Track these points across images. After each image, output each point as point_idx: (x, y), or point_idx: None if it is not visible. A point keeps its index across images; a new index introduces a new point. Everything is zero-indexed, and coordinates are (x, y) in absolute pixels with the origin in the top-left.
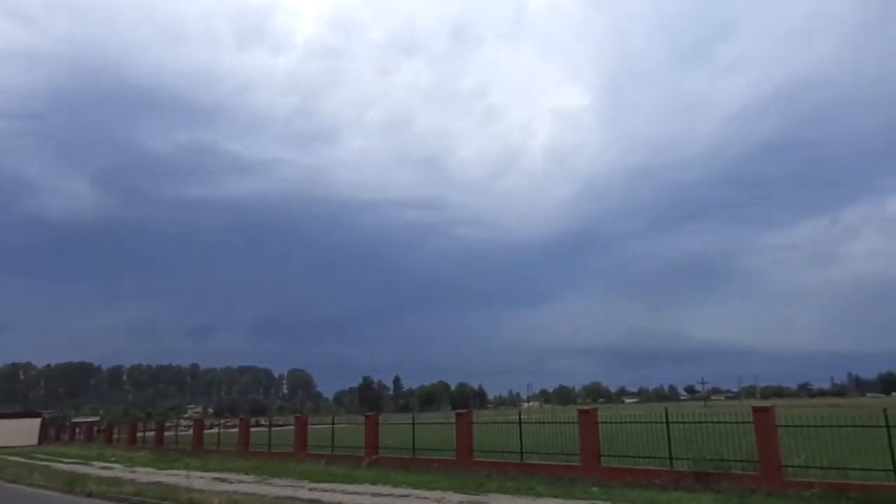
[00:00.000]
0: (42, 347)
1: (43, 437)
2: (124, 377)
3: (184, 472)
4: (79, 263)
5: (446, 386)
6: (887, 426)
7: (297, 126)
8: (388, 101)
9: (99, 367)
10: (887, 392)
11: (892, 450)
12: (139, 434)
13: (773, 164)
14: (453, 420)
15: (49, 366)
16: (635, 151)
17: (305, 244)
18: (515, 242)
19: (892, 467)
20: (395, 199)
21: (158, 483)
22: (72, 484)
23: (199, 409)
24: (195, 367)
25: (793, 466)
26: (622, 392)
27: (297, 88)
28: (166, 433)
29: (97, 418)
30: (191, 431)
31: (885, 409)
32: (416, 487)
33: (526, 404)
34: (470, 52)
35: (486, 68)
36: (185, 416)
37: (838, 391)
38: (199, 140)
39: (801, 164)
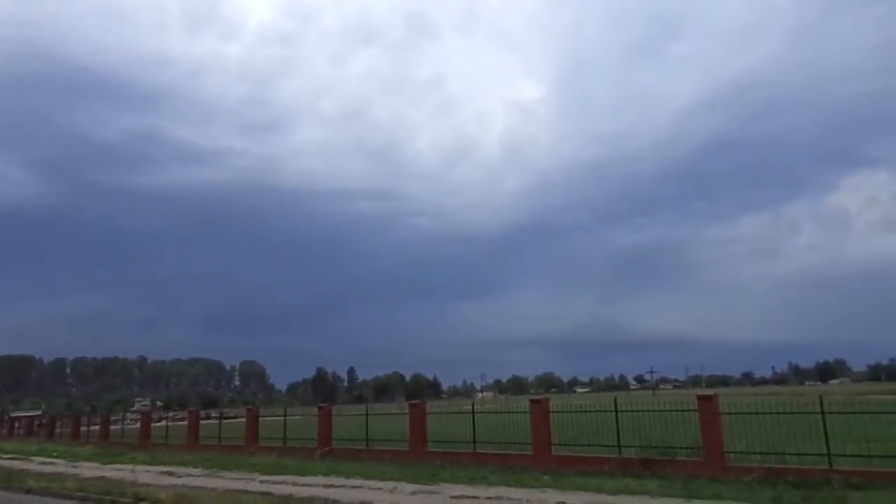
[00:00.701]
0: None
1: None
2: (67, 370)
3: (130, 467)
4: (19, 253)
5: (401, 377)
6: (822, 413)
7: (249, 114)
8: (343, 90)
9: (40, 359)
10: (824, 380)
11: (826, 435)
12: (83, 428)
13: (719, 161)
14: (407, 411)
15: None
16: (588, 145)
17: (258, 234)
18: (470, 233)
19: (825, 452)
20: (349, 189)
21: (103, 478)
22: (9, 480)
23: (147, 402)
24: (143, 359)
25: (734, 452)
26: (574, 382)
27: (249, 76)
28: (112, 427)
29: (38, 412)
30: (138, 425)
31: (820, 397)
32: (370, 478)
33: (480, 394)
34: (426, 42)
35: (443, 59)
36: (133, 409)
37: (779, 379)
38: (146, 127)
39: (745, 160)
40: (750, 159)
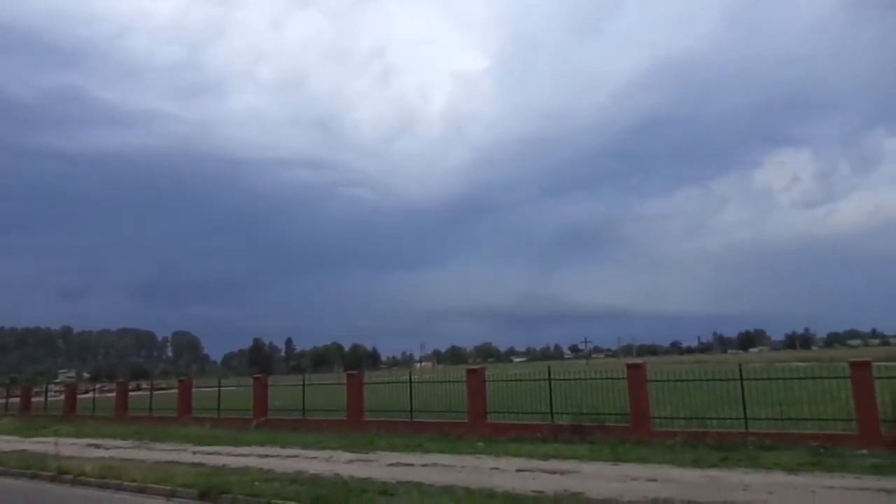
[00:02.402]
0: None
1: None
2: None
3: (53, 440)
4: None
5: (339, 347)
6: (741, 379)
7: (181, 78)
8: (281, 56)
9: None
10: (745, 349)
11: (743, 400)
12: (1, 401)
13: (655, 138)
14: (344, 381)
15: None
16: (530, 121)
17: (191, 203)
18: (410, 206)
19: (743, 416)
20: (286, 158)
21: (23, 451)
22: None
23: (73, 373)
24: (67, 329)
25: (660, 418)
26: (511, 352)
27: (181, 37)
28: (34, 399)
29: None
30: (62, 397)
31: (739, 365)
32: (306, 448)
33: (419, 365)
34: (367, 8)
35: (384, 27)
36: (57, 381)
37: (704, 348)
38: (66, 86)
39: (678, 138)
40: (684, 137)
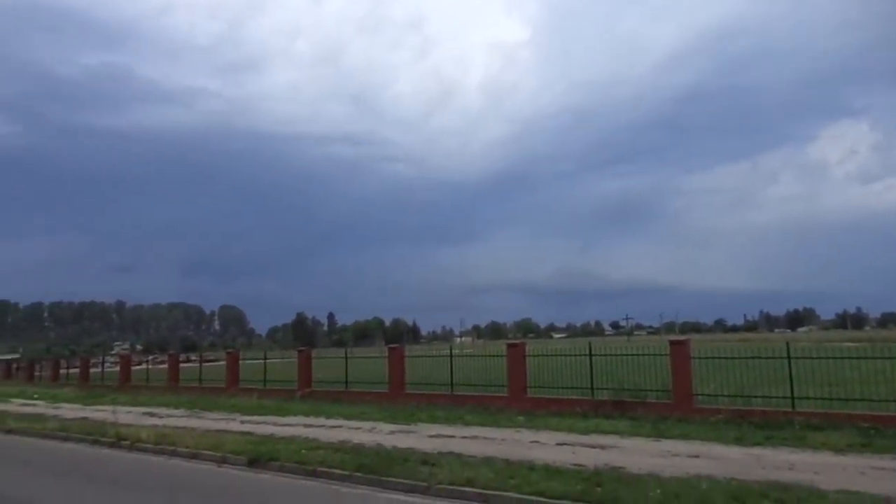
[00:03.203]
0: None
1: None
2: (45, 314)
3: (111, 408)
4: None
5: (380, 322)
6: (788, 358)
7: (221, 54)
8: (318, 30)
9: (16, 304)
10: (793, 328)
11: (791, 379)
12: (62, 371)
13: (700, 109)
14: (386, 355)
15: None
16: (571, 92)
17: (233, 179)
18: (448, 181)
19: (790, 395)
20: (324, 134)
21: (84, 419)
22: None
23: (127, 345)
24: (121, 303)
25: (703, 395)
26: (551, 328)
27: (221, 14)
28: (92, 370)
29: (17, 356)
30: (117, 368)
31: (787, 343)
32: (349, 419)
33: (458, 339)
34: None
35: None
36: (112, 352)
37: (749, 327)
38: (111, 64)
39: (725, 110)
40: (731, 109)
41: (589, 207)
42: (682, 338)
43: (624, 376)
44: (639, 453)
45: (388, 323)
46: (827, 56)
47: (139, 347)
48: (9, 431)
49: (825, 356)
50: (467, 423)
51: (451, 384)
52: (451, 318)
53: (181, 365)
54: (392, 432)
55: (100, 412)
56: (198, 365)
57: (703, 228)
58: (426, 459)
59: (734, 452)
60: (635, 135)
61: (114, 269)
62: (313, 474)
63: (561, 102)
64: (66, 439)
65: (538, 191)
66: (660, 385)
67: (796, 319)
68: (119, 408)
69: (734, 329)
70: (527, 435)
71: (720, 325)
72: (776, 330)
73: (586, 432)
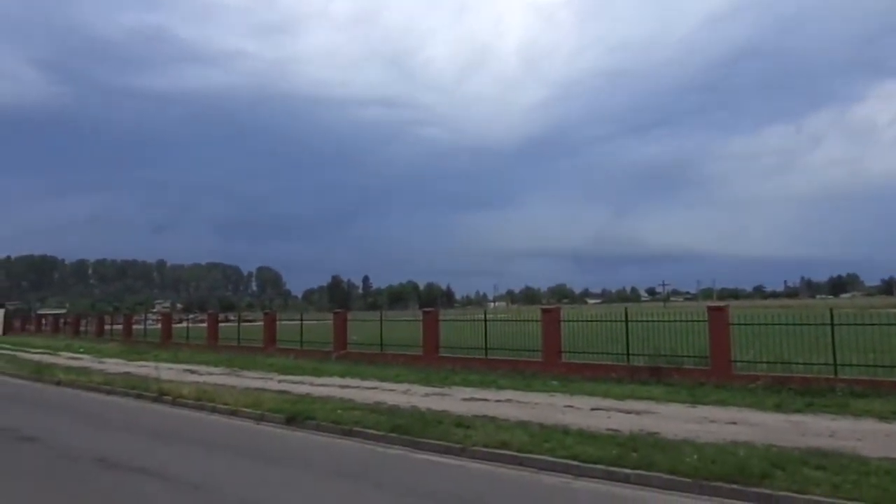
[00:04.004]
0: None
1: (8, 327)
2: (89, 271)
3: (153, 364)
4: (28, 153)
5: (415, 286)
6: (832, 324)
7: (257, 15)
8: None
9: (63, 260)
10: (836, 294)
11: (833, 346)
12: (107, 327)
13: (743, 71)
14: (420, 318)
15: (9, 258)
16: (610, 54)
17: (269, 141)
18: (484, 145)
19: (832, 362)
20: (360, 97)
21: (128, 374)
22: (39, 372)
23: (168, 304)
24: (162, 262)
25: (741, 361)
26: (586, 294)
27: None
28: (135, 327)
29: (63, 311)
30: (159, 325)
31: (830, 309)
32: (383, 380)
33: (492, 304)
34: None
35: None
36: (153, 310)
37: (790, 293)
38: (149, 26)
39: (768, 71)
40: (775, 70)
41: (626, 172)
42: (720, 304)
43: (660, 342)
44: (675, 419)
45: (422, 287)
46: (876, 13)
47: (179, 306)
48: (58, 383)
49: (869, 322)
50: (501, 387)
51: (485, 348)
52: (485, 283)
53: (220, 324)
54: (426, 395)
55: (143, 368)
56: (236, 325)
57: (742, 194)
58: (460, 422)
59: (773, 419)
60: (675, 97)
61: (155, 229)
62: (349, 434)
63: (599, 64)
64: (110, 392)
65: (575, 155)
66: (697, 352)
67: (839, 286)
68: (161, 364)
69: (774, 295)
70: (561, 399)
71: (759, 292)
72: (818, 296)
73: (621, 398)
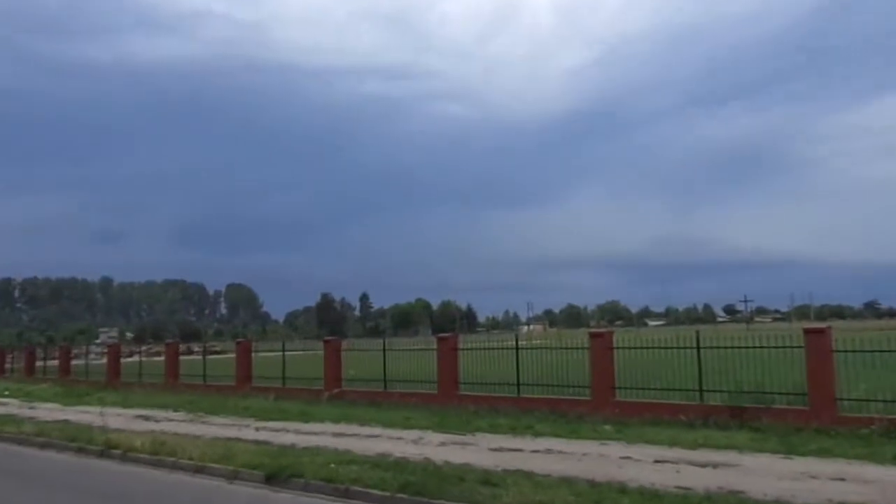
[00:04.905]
0: None
1: None
2: (15, 293)
3: (98, 409)
4: None
5: (426, 305)
6: None
7: None
8: None
9: None
10: None
11: None
12: (39, 363)
13: (843, 28)
14: (434, 346)
15: None
16: (671, 7)
17: (243, 124)
18: (512, 123)
19: None
20: (356, 66)
21: (66, 422)
22: None
23: (115, 332)
24: (107, 280)
25: (849, 400)
26: (645, 313)
27: None
28: (73, 362)
29: None
30: (104, 360)
31: None
32: (389, 426)
33: (526, 327)
34: None
35: None
36: (98, 341)
37: None
38: None
39: (881, 24)
40: (885, 25)
41: (693, 156)
42: (820, 325)
43: (743, 375)
44: (764, 474)
45: (435, 307)
46: None
47: (129, 335)
48: None
49: None
50: (538, 434)
51: (518, 384)
52: (516, 300)
53: (181, 357)
54: (443, 444)
55: (85, 414)
56: (201, 357)
57: (846, 183)
58: (487, 479)
59: (892, 475)
60: (754, 61)
61: (99, 239)
62: (345, 494)
63: (658, 19)
64: (45, 446)
65: (627, 136)
66: (791, 387)
67: None
68: (107, 409)
69: (891, 314)
70: (616, 449)
71: (872, 309)
72: None
73: (694, 446)
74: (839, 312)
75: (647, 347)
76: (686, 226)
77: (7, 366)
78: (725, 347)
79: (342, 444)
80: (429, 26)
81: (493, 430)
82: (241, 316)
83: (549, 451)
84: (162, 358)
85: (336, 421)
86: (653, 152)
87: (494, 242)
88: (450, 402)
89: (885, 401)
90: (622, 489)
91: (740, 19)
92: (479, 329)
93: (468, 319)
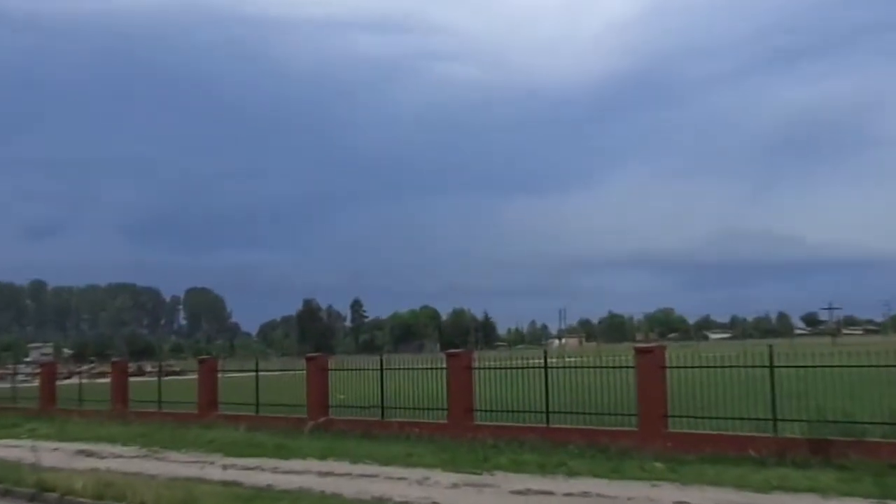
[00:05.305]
0: None
1: None
2: None
3: (28, 443)
4: None
5: (433, 314)
6: None
7: None
8: None
9: None
10: None
11: None
12: None
13: None
14: (443, 365)
15: None
16: None
17: (207, 95)
18: (534, 90)
19: None
20: (342, 18)
21: None
22: None
23: (49, 348)
24: (40, 284)
25: None
26: (705, 324)
27: None
28: None
29: None
30: (37, 382)
31: None
32: (387, 463)
33: (557, 341)
34: None
35: None
36: (28, 359)
37: None
38: None
39: None
40: None
41: (761, 130)
42: None
43: (827, 401)
44: None
45: (444, 316)
46: None
47: (68, 351)
48: None
49: None
50: (573, 473)
51: (547, 412)
52: (544, 308)
53: (131, 379)
54: (454, 485)
55: (12, 448)
56: (156, 379)
57: None
58: None
59: None
60: (840, 11)
61: (28, 234)
62: None
63: None
64: None
65: (678, 105)
66: (888, 416)
67: None
68: (40, 442)
69: None
70: (669, 492)
71: None
72: None
73: (766, 489)
74: None
75: (708, 367)
76: (753, 216)
77: None
78: (806, 367)
79: (329, 485)
80: None
81: (517, 468)
82: (204, 328)
83: (585, 495)
84: (107, 380)
85: (322, 457)
86: (710, 126)
87: (517, 238)
88: (462, 434)
89: None
90: None
91: None
92: (499, 343)
93: (485, 332)
